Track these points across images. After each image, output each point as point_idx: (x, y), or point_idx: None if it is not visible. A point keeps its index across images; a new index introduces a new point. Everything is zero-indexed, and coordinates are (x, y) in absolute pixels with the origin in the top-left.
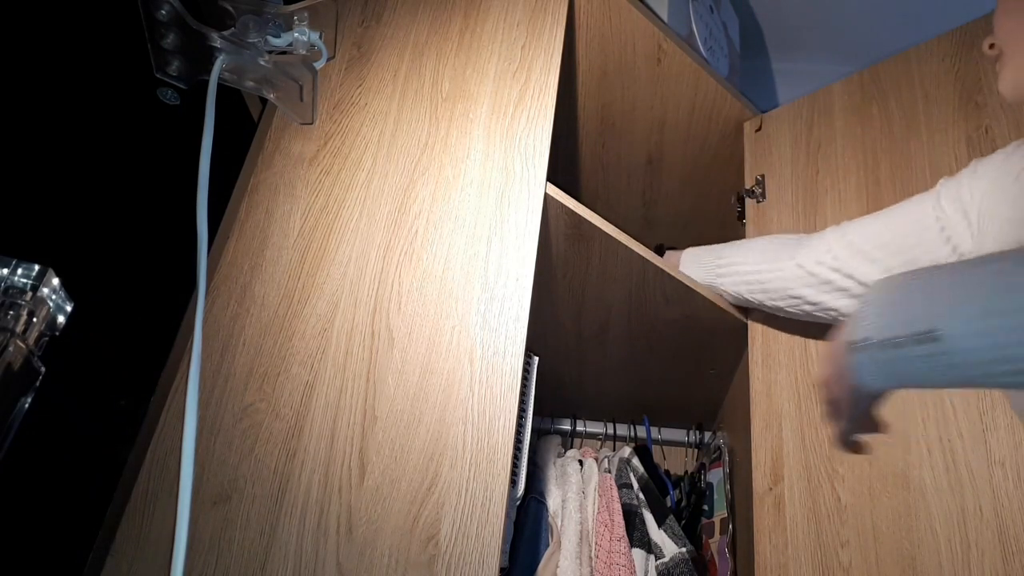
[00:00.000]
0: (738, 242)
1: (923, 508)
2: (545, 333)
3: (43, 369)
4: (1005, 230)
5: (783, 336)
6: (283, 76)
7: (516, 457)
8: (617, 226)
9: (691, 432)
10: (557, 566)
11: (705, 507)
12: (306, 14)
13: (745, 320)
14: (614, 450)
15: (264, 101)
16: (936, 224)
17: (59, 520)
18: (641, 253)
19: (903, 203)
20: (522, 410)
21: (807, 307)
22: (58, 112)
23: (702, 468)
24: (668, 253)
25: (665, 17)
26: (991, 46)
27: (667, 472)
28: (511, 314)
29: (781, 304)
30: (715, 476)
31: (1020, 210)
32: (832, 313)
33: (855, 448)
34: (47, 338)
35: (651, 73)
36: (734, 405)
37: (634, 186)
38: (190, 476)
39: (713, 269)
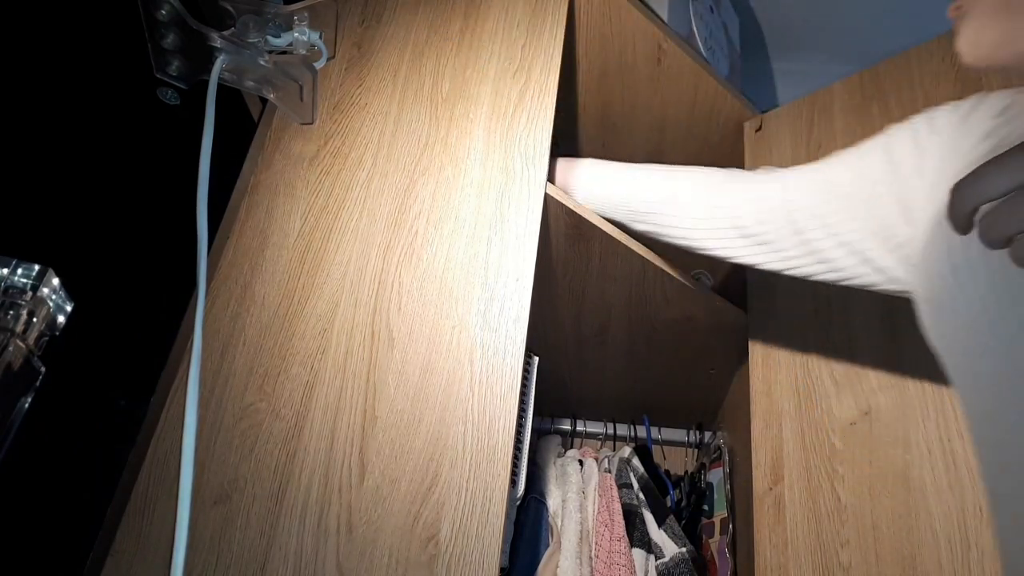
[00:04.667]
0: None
1: (923, 508)
2: (545, 333)
3: (43, 369)
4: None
5: (783, 336)
6: (283, 76)
7: (516, 457)
8: None
9: (691, 432)
10: (557, 566)
11: (705, 507)
12: (306, 14)
13: (745, 320)
14: (614, 450)
15: (264, 101)
16: (886, 178)
17: (59, 520)
18: (641, 253)
19: (846, 154)
20: (522, 410)
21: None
22: (58, 112)
23: (702, 468)
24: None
25: (665, 17)
26: (957, 7)
27: (667, 472)
28: (511, 314)
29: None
30: (715, 476)
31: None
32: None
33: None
34: (47, 338)
35: (651, 73)
36: (734, 405)
37: None
38: (190, 476)
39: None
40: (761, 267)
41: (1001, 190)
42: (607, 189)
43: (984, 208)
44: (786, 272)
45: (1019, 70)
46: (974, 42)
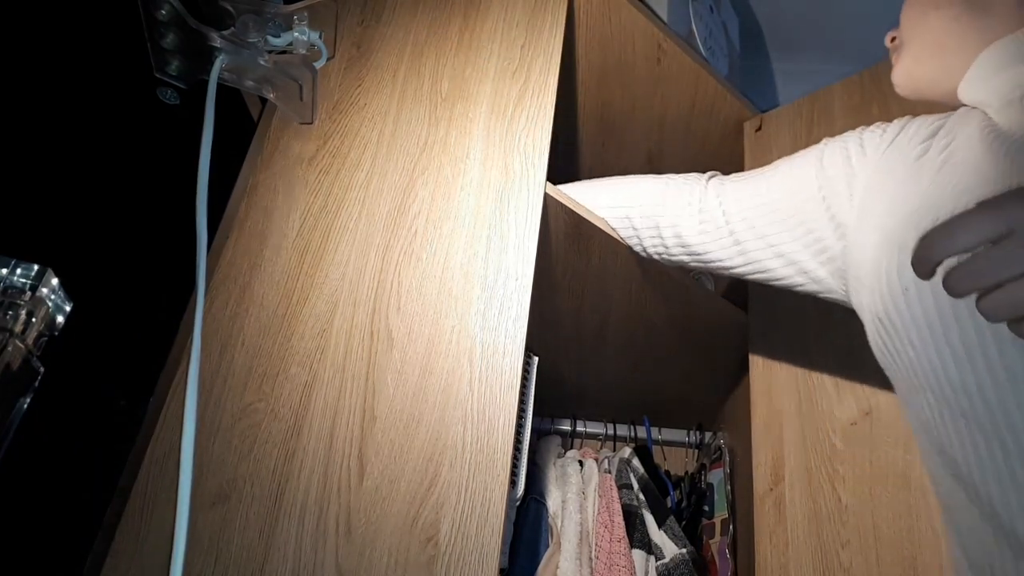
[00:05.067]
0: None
1: (924, 508)
2: (545, 333)
3: (43, 369)
4: (888, 224)
5: (784, 336)
6: (283, 76)
7: (516, 457)
8: None
9: (691, 432)
10: (557, 567)
11: (705, 508)
12: (306, 14)
13: (745, 319)
14: (614, 450)
15: (264, 101)
16: (819, 193)
17: (59, 520)
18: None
19: (782, 166)
20: (522, 410)
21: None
22: (58, 112)
23: (702, 468)
24: None
25: (665, 17)
26: (892, 39)
27: (667, 472)
28: (511, 314)
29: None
30: (715, 477)
31: (910, 206)
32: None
33: None
34: (47, 338)
35: (651, 73)
36: (734, 405)
37: None
38: (189, 476)
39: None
40: (706, 270)
41: (966, 246)
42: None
43: (949, 261)
44: (732, 275)
45: (947, 104)
46: (908, 76)
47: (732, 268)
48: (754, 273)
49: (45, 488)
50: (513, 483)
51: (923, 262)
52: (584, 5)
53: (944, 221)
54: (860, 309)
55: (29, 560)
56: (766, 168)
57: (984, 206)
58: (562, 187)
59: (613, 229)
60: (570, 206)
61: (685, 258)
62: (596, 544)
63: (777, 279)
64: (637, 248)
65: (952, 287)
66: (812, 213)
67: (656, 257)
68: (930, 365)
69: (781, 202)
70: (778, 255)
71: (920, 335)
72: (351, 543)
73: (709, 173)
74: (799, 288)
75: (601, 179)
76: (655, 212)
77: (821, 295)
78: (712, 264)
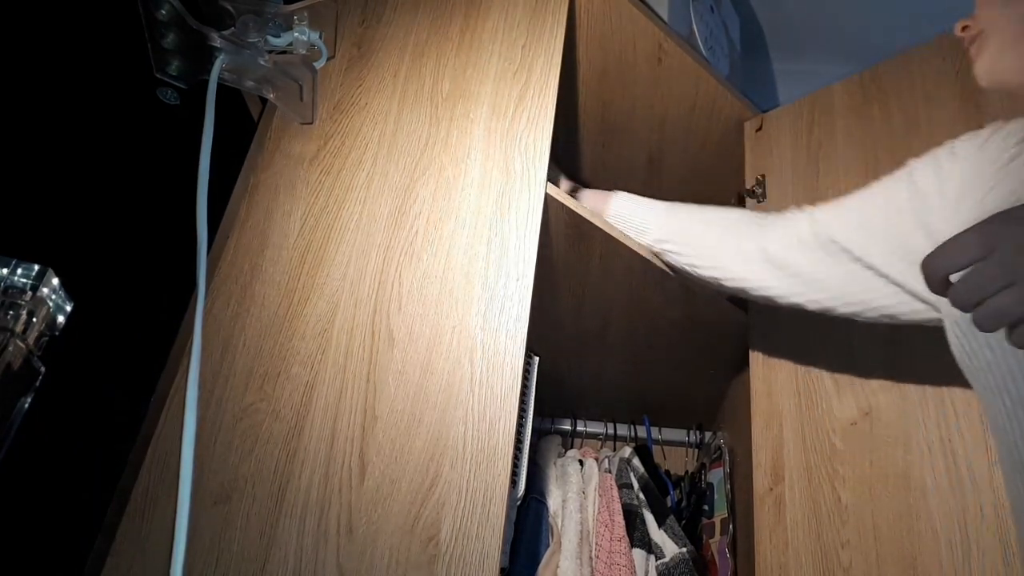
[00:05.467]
0: (681, 213)
1: (924, 508)
2: (546, 333)
3: (43, 369)
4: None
5: (784, 335)
6: (283, 76)
7: (516, 457)
8: None
9: (691, 432)
10: (557, 566)
11: (705, 507)
12: (306, 14)
13: (746, 319)
14: (614, 450)
15: (264, 101)
16: (908, 204)
17: (59, 520)
18: (642, 253)
19: (871, 187)
20: (522, 410)
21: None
22: (58, 112)
23: (702, 468)
24: (586, 193)
25: (666, 17)
26: (964, 28)
27: (667, 472)
28: (512, 314)
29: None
30: (715, 476)
31: (995, 207)
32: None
33: None
34: (47, 338)
35: (652, 73)
36: (734, 405)
37: (634, 186)
38: (190, 476)
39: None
40: (788, 299)
41: (959, 264)
42: (638, 218)
43: (954, 276)
44: (810, 306)
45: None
46: (992, 68)
47: (812, 288)
48: (852, 295)
49: (46, 488)
50: (514, 483)
51: (929, 279)
52: (585, 5)
53: (941, 243)
54: (942, 313)
55: (30, 560)
56: (853, 192)
57: (972, 228)
58: (629, 197)
59: (670, 243)
60: (570, 206)
61: (769, 281)
62: (596, 543)
63: (875, 299)
64: (698, 265)
65: (955, 303)
66: (904, 224)
67: (719, 274)
68: (1007, 367)
69: (872, 218)
70: (868, 267)
71: (998, 337)
72: (352, 543)
73: (795, 207)
74: (892, 312)
75: (673, 203)
76: (740, 231)
77: (919, 317)
78: (794, 289)
